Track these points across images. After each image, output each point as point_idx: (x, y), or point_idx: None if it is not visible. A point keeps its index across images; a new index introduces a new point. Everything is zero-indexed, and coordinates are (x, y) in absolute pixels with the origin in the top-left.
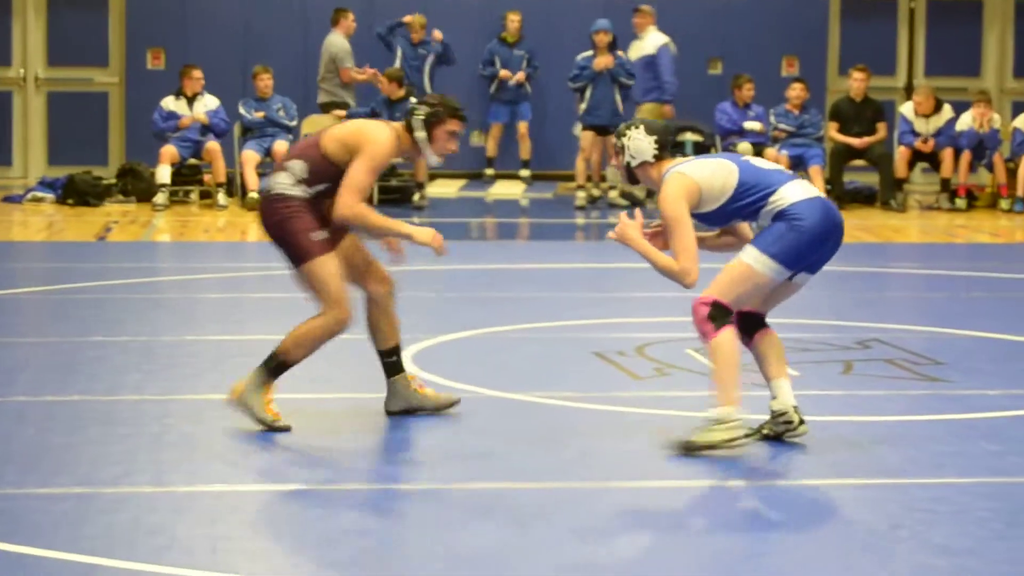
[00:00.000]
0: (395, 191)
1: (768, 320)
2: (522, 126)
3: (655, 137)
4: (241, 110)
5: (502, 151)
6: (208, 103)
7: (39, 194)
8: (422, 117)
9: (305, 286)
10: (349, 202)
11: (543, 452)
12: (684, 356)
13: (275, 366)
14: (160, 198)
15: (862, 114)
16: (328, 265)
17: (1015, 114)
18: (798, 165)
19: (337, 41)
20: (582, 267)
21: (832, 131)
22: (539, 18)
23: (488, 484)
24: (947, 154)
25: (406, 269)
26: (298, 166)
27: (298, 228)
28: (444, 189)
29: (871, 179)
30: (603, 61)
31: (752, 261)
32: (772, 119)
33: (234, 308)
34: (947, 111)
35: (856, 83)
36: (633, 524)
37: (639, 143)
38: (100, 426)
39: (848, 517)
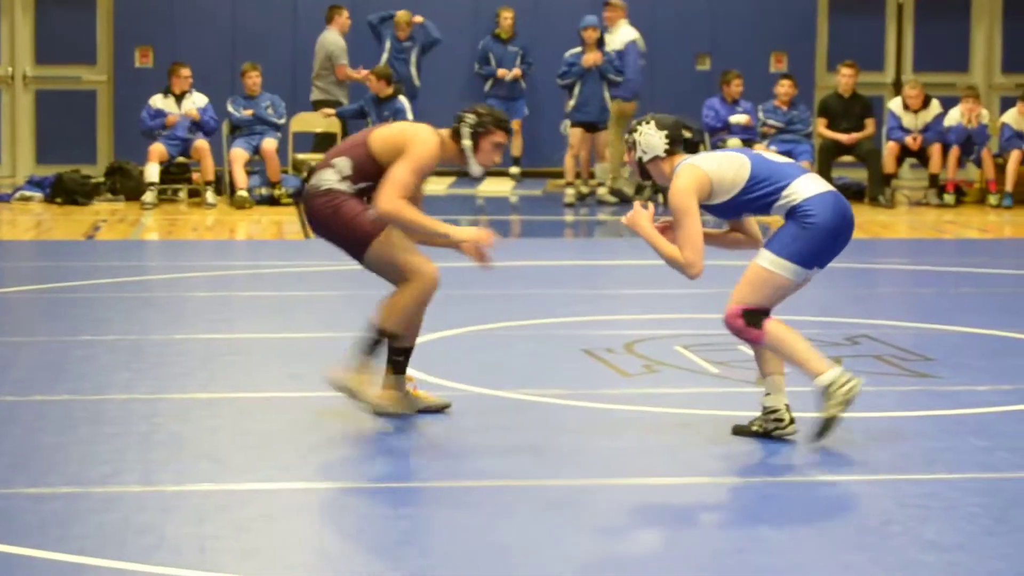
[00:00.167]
0: None
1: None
2: (515, 124)
3: (666, 132)
4: (229, 108)
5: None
6: (196, 101)
7: (27, 193)
8: (470, 126)
9: (379, 266)
10: (389, 197)
11: (532, 450)
12: (673, 353)
13: (372, 344)
14: (148, 196)
15: (850, 110)
16: (392, 237)
17: (1003, 109)
18: None
19: (332, 39)
20: (571, 264)
21: (820, 127)
22: (531, 15)
23: (478, 482)
24: (935, 150)
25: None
26: (344, 163)
27: (351, 214)
28: (433, 186)
29: (859, 175)
30: (591, 58)
31: (769, 265)
32: (761, 115)
33: (223, 307)
34: (935, 106)
35: (844, 79)
36: (623, 521)
37: (650, 138)
38: (89, 425)
39: (839, 513)
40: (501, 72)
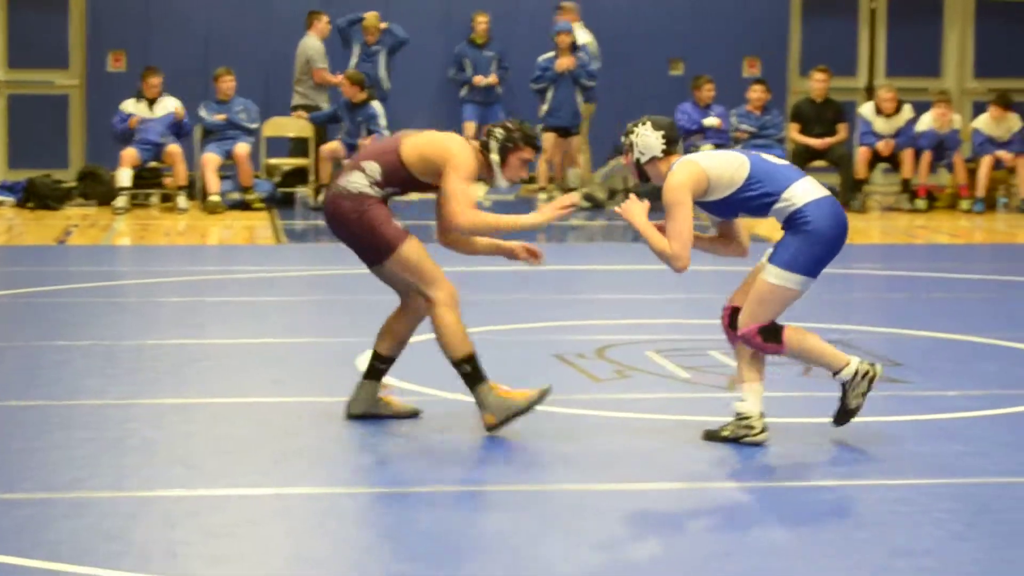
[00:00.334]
0: None
1: None
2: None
3: (662, 132)
4: (202, 112)
5: None
6: (169, 105)
7: None
8: (498, 141)
9: (401, 273)
10: (467, 213)
11: (503, 455)
12: (644, 358)
13: (470, 375)
14: (120, 201)
15: (823, 115)
16: (416, 246)
17: (975, 115)
18: None
19: (311, 43)
20: (543, 269)
21: (793, 132)
22: (506, 19)
23: (451, 487)
24: (907, 155)
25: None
26: (374, 168)
27: (377, 220)
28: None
29: (832, 180)
30: (565, 62)
31: (777, 280)
32: (734, 120)
33: (195, 312)
34: (907, 111)
35: (817, 84)
36: (594, 526)
37: (647, 139)
38: (62, 431)
39: (809, 518)
40: (477, 79)
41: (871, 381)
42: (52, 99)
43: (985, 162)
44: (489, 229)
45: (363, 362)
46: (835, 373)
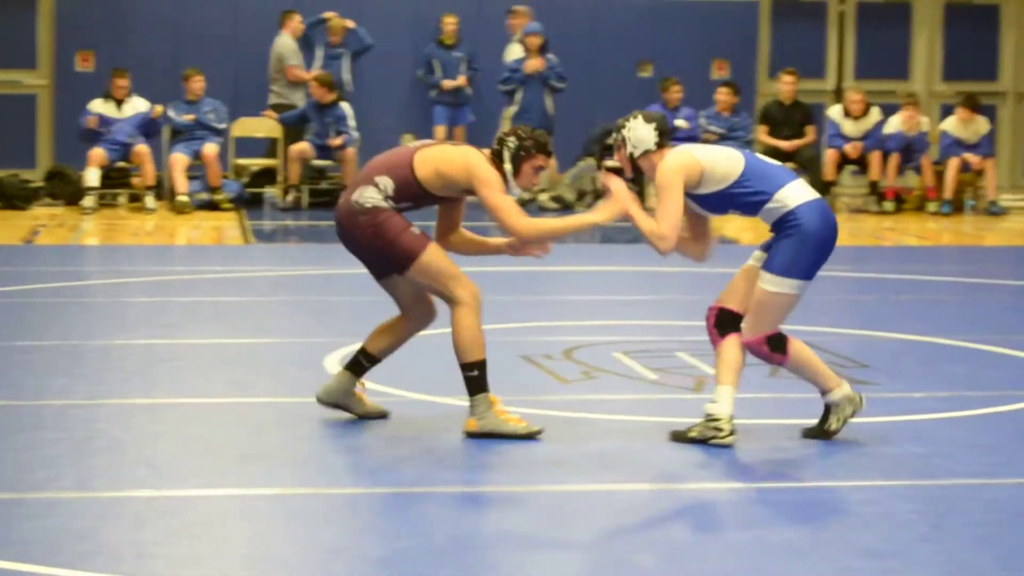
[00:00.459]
0: (324, 194)
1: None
2: (459, 131)
3: (654, 125)
4: (171, 112)
5: None
6: (138, 105)
7: None
8: (511, 150)
9: (423, 280)
10: (524, 222)
11: (469, 456)
12: (611, 360)
13: (475, 380)
14: (88, 201)
15: (791, 117)
16: (436, 252)
17: (943, 117)
18: None
19: (284, 41)
20: (511, 270)
21: (761, 134)
22: (475, 20)
23: (415, 488)
24: (875, 157)
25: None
26: (387, 182)
27: (395, 231)
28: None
29: None
30: (534, 64)
31: (774, 287)
32: (702, 122)
33: (163, 312)
34: (875, 114)
35: (785, 86)
36: (557, 526)
37: (639, 132)
38: (28, 431)
39: (775, 519)
40: (445, 83)
41: (855, 410)
42: (20, 99)
43: (952, 164)
44: (549, 234)
45: (332, 362)
46: (824, 393)
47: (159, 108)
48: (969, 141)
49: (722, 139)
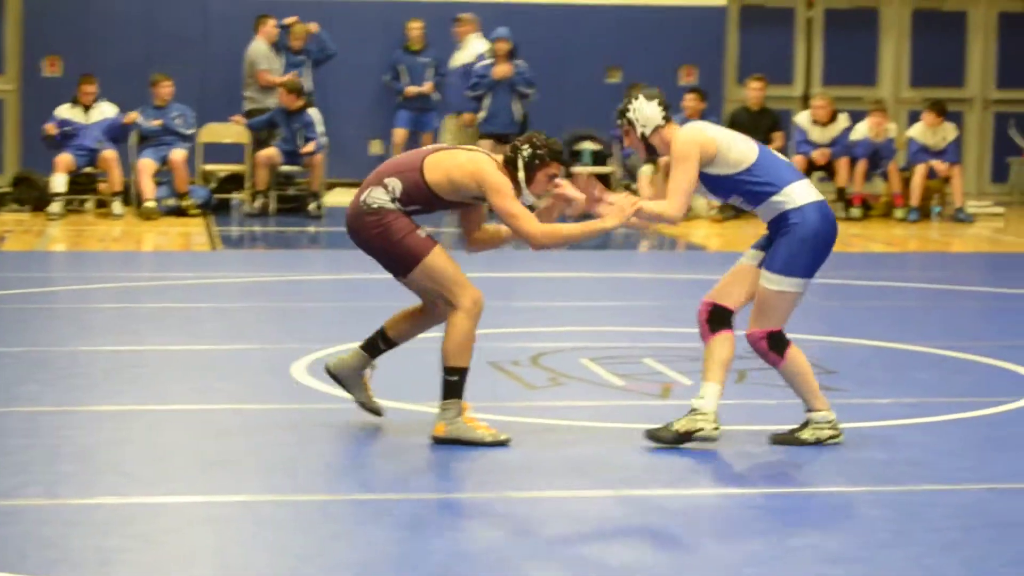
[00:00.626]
0: (291, 200)
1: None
2: (426, 137)
3: (657, 100)
4: (139, 118)
5: None
6: (105, 111)
7: None
8: (525, 159)
9: (426, 283)
10: (538, 229)
11: (435, 463)
12: (579, 366)
13: (453, 385)
14: (55, 207)
15: (759, 123)
16: (441, 256)
17: (910, 123)
18: None
19: (256, 46)
20: (479, 276)
21: None
22: (443, 25)
23: (380, 496)
24: (842, 163)
25: None
26: (396, 184)
27: (401, 233)
28: (342, 198)
29: None
30: (502, 70)
31: (778, 285)
32: None
33: (130, 318)
34: (843, 120)
35: (753, 92)
36: (521, 533)
37: (645, 111)
38: None
39: (739, 526)
40: (409, 90)
41: (831, 436)
42: None
43: (919, 171)
44: (564, 241)
45: (299, 369)
46: (808, 409)
47: (133, 115)
48: (936, 148)
49: None
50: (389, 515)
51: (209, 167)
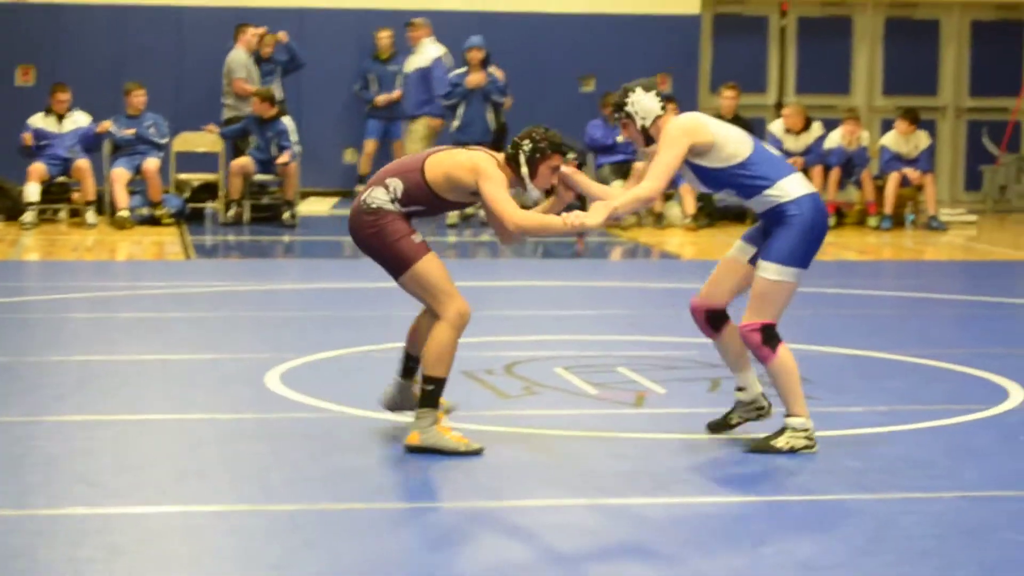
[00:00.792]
0: (265, 209)
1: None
2: (397, 145)
3: (654, 91)
4: (112, 127)
5: (375, 168)
6: (78, 120)
7: None
8: (526, 153)
9: (415, 289)
10: (517, 215)
11: (408, 473)
12: (553, 375)
13: (429, 394)
14: (28, 216)
15: None
16: (432, 263)
17: (883, 132)
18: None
19: (234, 55)
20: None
21: None
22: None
23: (354, 505)
24: (816, 172)
25: None
26: (397, 184)
27: (395, 235)
28: (316, 207)
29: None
30: (476, 79)
31: (775, 275)
32: None
33: (102, 328)
34: (816, 128)
35: (727, 101)
36: (490, 543)
37: (644, 103)
38: None
39: (712, 534)
40: (378, 99)
41: (806, 446)
42: None
43: (892, 179)
44: (543, 230)
45: (272, 378)
46: (788, 414)
47: (107, 124)
48: (909, 156)
49: None
50: (361, 525)
51: (183, 176)
